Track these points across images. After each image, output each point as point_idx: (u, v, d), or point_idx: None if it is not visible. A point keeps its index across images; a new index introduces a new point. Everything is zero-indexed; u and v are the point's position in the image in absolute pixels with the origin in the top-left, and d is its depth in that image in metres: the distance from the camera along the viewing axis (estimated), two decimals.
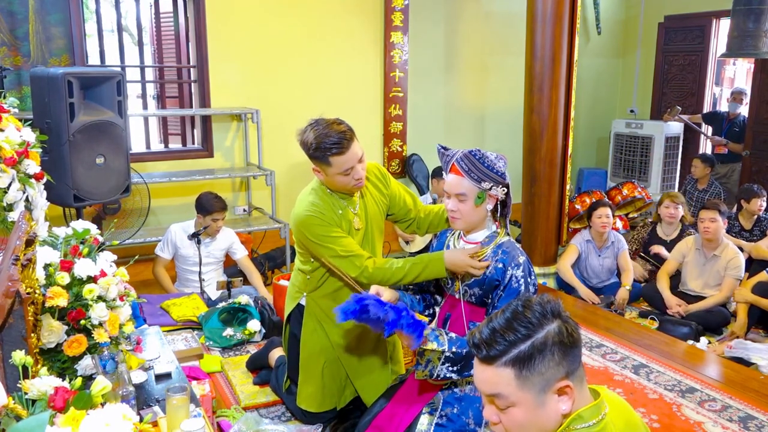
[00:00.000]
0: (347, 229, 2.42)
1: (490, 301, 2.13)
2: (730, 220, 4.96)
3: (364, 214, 2.49)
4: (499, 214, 2.20)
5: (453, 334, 2.09)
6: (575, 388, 1.18)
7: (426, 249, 5.04)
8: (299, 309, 2.65)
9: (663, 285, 4.22)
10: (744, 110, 6.23)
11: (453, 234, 2.31)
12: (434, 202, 5.28)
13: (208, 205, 4.00)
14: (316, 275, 2.52)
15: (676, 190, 6.36)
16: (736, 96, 6.16)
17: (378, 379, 2.64)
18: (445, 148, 2.16)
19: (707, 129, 6.49)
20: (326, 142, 2.26)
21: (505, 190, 2.12)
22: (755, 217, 4.80)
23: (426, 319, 2.02)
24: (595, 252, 4.47)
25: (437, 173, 5.29)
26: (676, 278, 4.36)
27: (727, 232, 4.84)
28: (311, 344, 2.61)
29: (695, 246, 4.21)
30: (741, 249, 4.57)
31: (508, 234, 2.22)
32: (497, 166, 2.07)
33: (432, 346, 2.00)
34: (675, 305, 4.08)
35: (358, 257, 2.32)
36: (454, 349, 2.00)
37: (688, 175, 5.93)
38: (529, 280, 2.09)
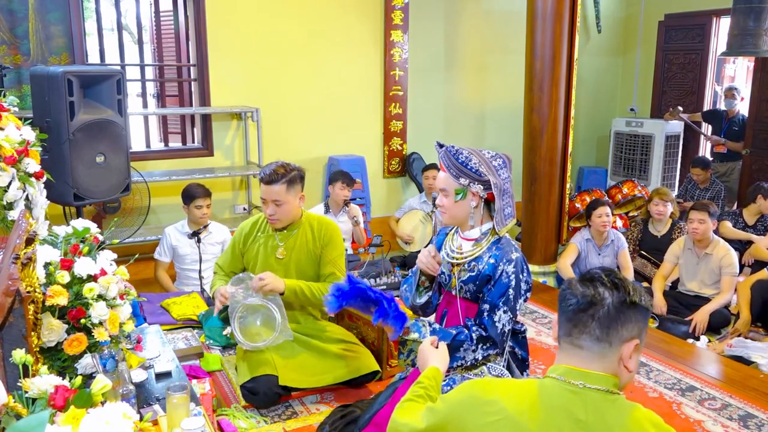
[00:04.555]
0: (263, 253, 2.92)
1: (482, 296, 2.15)
2: (734, 216, 4.97)
3: (291, 250, 2.91)
4: (492, 212, 2.20)
5: (436, 325, 2.15)
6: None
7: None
8: None
9: (656, 286, 4.22)
10: (742, 108, 6.23)
11: (450, 231, 2.34)
12: (435, 200, 5.27)
13: (191, 191, 4.00)
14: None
15: (677, 188, 6.36)
16: (728, 93, 6.19)
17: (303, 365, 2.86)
18: (441, 145, 2.18)
19: (707, 128, 6.49)
20: (261, 171, 2.83)
21: (482, 187, 2.12)
22: (760, 214, 4.83)
23: (409, 313, 2.07)
24: (594, 251, 4.47)
25: (425, 168, 5.38)
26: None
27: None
28: None
29: (686, 246, 4.20)
30: (749, 243, 4.58)
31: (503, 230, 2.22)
32: (471, 163, 2.08)
33: (414, 336, 2.07)
34: (660, 308, 4.08)
35: (216, 264, 3.10)
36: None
37: (688, 174, 5.93)
38: (521, 276, 2.11)
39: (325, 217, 3.11)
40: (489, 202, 2.18)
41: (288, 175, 2.78)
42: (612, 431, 1.21)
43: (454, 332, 2.09)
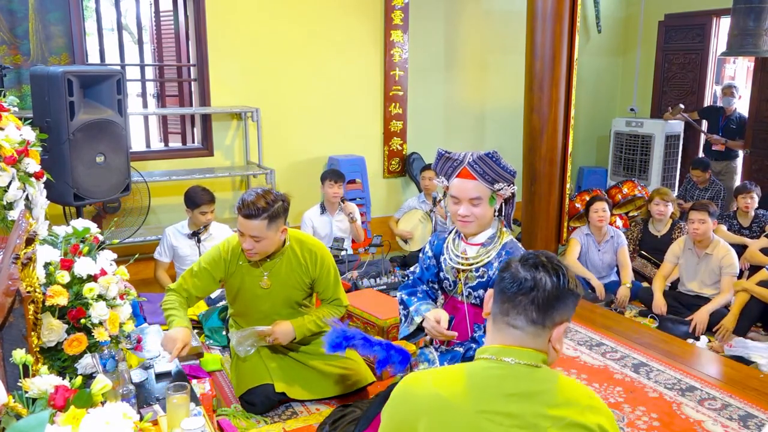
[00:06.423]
0: (249, 282, 2.72)
1: None
2: (729, 218, 4.97)
3: (276, 278, 2.71)
4: (503, 213, 2.20)
5: (442, 348, 2.12)
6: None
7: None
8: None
9: (657, 286, 4.21)
10: (742, 108, 6.22)
11: (451, 234, 2.30)
12: (435, 200, 5.25)
13: (196, 198, 3.98)
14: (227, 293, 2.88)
15: (677, 188, 6.36)
16: (726, 90, 6.18)
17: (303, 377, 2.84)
18: (448, 153, 2.15)
19: (704, 124, 6.47)
20: (240, 200, 2.54)
21: (515, 188, 2.14)
22: (752, 214, 4.82)
23: (412, 348, 2.07)
24: (594, 246, 4.49)
25: (423, 168, 5.30)
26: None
27: (728, 229, 4.86)
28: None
29: (686, 246, 4.20)
30: (745, 246, 4.58)
31: (510, 233, 2.22)
32: (510, 166, 2.08)
33: (424, 366, 2.05)
34: (660, 308, 4.08)
35: (178, 283, 2.68)
36: (446, 364, 2.05)
37: (687, 174, 5.93)
38: None
39: (305, 235, 2.90)
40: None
41: (270, 209, 2.49)
42: (543, 397, 1.26)
43: (462, 350, 2.08)
